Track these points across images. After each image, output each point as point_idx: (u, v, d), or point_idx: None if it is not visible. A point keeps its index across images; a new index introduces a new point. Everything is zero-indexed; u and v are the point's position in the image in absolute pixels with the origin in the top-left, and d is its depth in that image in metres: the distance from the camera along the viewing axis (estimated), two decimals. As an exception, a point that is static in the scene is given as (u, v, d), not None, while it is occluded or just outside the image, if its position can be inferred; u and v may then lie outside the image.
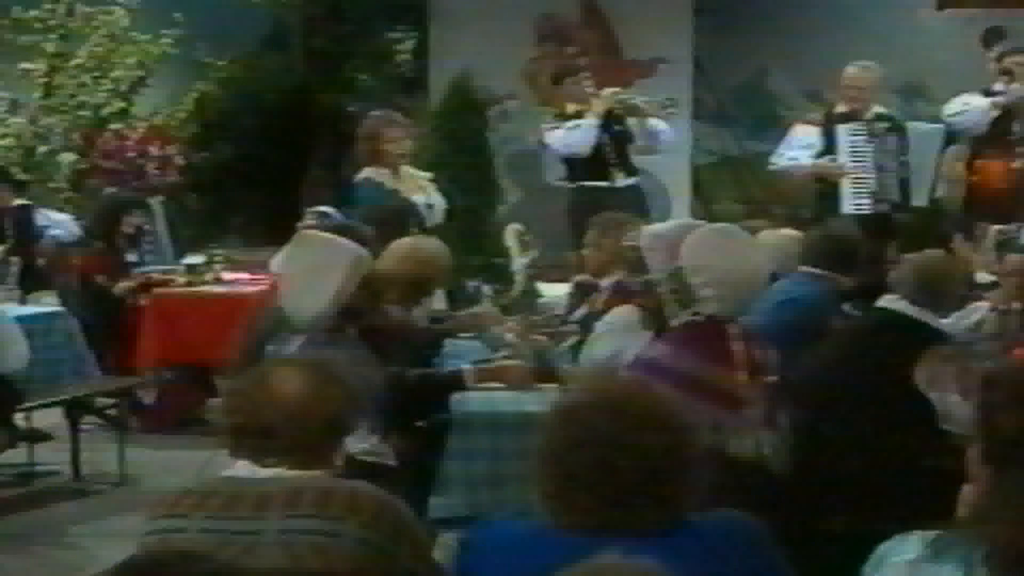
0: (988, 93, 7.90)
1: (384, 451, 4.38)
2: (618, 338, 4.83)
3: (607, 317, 5.05)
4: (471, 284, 7.53)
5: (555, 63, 8.38)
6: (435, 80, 9.63)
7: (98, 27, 10.97)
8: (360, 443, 4.24)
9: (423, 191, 7.21)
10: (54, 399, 6.60)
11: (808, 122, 8.01)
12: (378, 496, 2.39)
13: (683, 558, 2.28)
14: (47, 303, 8.19)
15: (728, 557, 2.31)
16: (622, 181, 7.91)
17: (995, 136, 7.78)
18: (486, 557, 2.33)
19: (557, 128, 7.86)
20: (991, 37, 8.05)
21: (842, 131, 7.71)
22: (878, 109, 7.93)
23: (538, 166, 9.27)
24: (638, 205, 7.71)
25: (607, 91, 7.85)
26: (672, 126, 8.48)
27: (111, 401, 7.03)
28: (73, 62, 10.98)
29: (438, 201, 7.25)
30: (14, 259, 8.88)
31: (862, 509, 4.33)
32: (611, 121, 7.83)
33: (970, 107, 7.81)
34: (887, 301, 4.57)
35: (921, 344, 4.35)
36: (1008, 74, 7.72)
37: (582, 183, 7.91)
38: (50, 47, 10.97)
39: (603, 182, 7.82)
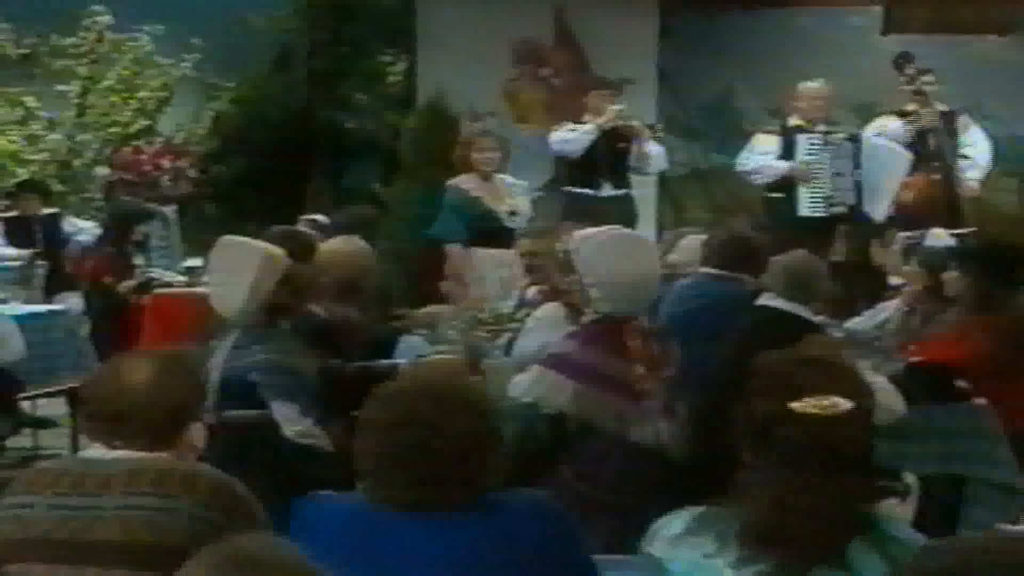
0: (902, 114, 7.92)
1: (319, 435, 4.37)
2: (544, 333, 4.84)
3: (536, 313, 5.08)
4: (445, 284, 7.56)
5: (536, 78, 8.39)
6: (422, 98, 9.64)
7: (125, 52, 11.13)
8: (295, 425, 4.30)
9: (509, 199, 7.34)
10: (56, 389, 6.65)
11: (768, 132, 8.00)
12: (215, 476, 2.42)
13: (488, 532, 2.30)
14: (72, 303, 8.28)
15: (528, 532, 2.32)
16: (608, 191, 7.93)
17: (915, 153, 7.80)
18: (309, 529, 2.34)
19: (560, 129, 7.97)
20: (902, 61, 8.03)
21: (801, 140, 7.73)
22: (828, 123, 7.93)
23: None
24: (625, 214, 7.73)
25: (614, 107, 7.90)
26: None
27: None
28: (103, 84, 11.12)
29: (524, 208, 7.39)
30: (41, 263, 9.01)
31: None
32: (616, 139, 7.86)
33: (887, 131, 7.86)
34: (764, 299, 4.56)
35: (795, 335, 4.34)
36: (921, 95, 7.75)
37: (570, 188, 7.95)
38: (83, 70, 11.11)
39: (588, 189, 7.84)
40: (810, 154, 7.74)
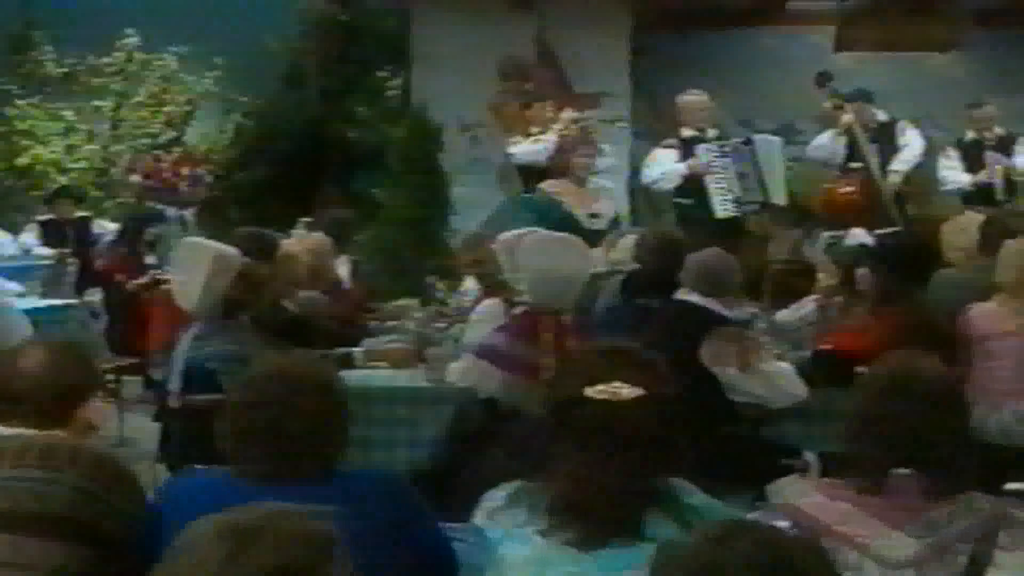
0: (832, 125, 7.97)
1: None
2: (485, 325, 4.89)
3: (478, 308, 5.12)
4: (428, 280, 7.61)
5: (521, 92, 8.42)
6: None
7: (153, 70, 11.25)
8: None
9: (591, 203, 7.40)
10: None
11: (665, 146, 7.94)
12: (98, 452, 2.43)
13: (337, 503, 2.32)
14: (99, 298, 8.36)
15: (373, 505, 2.34)
16: None
17: (848, 160, 7.79)
18: (177, 501, 2.38)
19: (522, 142, 7.90)
20: (822, 79, 8.04)
21: (701, 150, 7.70)
22: (717, 129, 7.97)
23: (503, 182, 9.26)
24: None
25: (566, 114, 7.87)
26: (614, 145, 8.60)
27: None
28: (134, 99, 11.24)
29: (606, 210, 7.44)
30: (71, 261, 9.10)
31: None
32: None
33: (821, 141, 7.86)
34: (681, 293, 4.56)
35: (706, 326, 4.35)
36: (839, 108, 7.74)
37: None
38: (116, 87, 11.25)
39: None
40: (711, 162, 7.73)
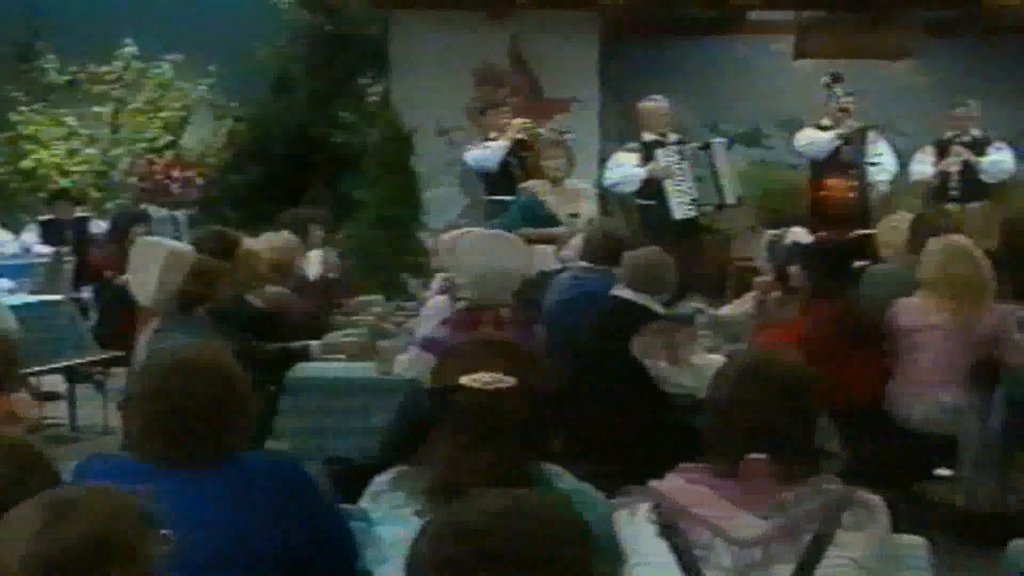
0: (820, 127, 7.91)
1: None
2: (434, 319, 4.89)
3: (429, 303, 5.13)
4: (402, 277, 7.64)
5: (481, 99, 8.38)
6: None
7: (150, 78, 11.29)
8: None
9: (571, 204, 7.28)
10: (55, 365, 6.75)
11: (627, 150, 7.90)
12: (14, 438, 2.45)
13: (229, 486, 2.33)
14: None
15: (266, 488, 2.32)
16: None
17: (833, 160, 7.76)
18: (87, 478, 2.39)
19: (474, 148, 7.88)
20: (832, 81, 8.01)
21: (659, 154, 7.67)
22: (677, 133, 7.95)
23: (466, 184, 9.24)
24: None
25: (517, 121, 7.85)
26: (581, 149, 8.57)
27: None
28: (132, 105, 11.29)
29: (587, 210, 7.35)
30: (69, 259, 9.12)
31: (601, 458, 4.34)
32: (519, 148, 7.82)
33: (816, 140, 7.84)
34: (615, 289, 4.56)
35: (639, 321, 4.36)
36: (845, 111, 7.73)
37: (494, 196, 7.93)
38: (115, 94, 11.29)
39: (508, 196, 7.81)
40: (669, 166, 7.70)
